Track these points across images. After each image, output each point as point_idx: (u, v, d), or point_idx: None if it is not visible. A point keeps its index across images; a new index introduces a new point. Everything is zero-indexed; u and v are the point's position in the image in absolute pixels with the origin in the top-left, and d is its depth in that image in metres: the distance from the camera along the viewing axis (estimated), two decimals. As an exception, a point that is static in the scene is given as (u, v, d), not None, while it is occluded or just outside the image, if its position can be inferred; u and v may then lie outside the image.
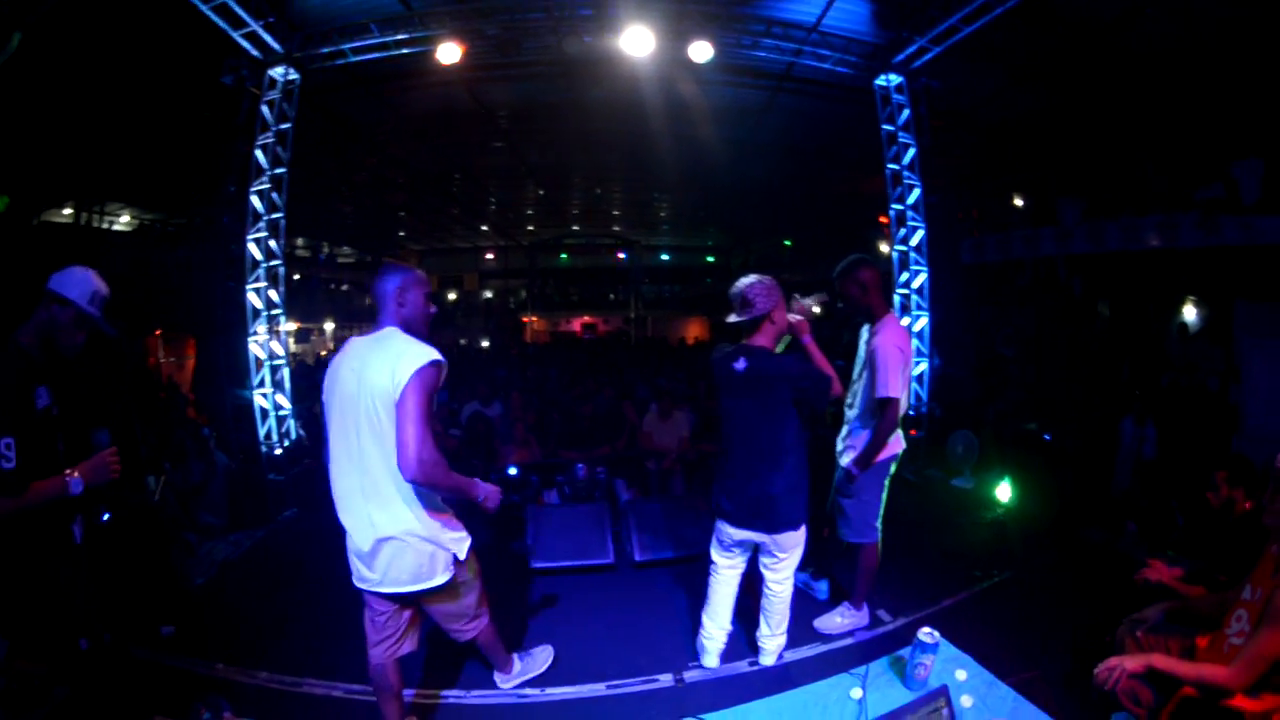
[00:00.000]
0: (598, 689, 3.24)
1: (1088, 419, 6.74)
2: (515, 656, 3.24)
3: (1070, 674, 3.02)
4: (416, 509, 2.43)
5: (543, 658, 3.36)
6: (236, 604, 4.39)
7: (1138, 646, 2.54)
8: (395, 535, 2.40)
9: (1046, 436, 6.57)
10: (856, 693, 2.19)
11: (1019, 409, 7.64)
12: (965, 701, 2.09)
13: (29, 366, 2.22)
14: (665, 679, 3.37)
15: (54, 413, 2.31)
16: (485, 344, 24.22)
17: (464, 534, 2.60)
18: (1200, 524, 3.34)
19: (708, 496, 5.79)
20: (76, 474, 2.17)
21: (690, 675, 3.40)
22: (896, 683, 2.26)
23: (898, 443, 3.56)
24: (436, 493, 2.47)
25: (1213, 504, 3.11)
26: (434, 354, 2.31)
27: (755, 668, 3.42)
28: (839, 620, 3.82)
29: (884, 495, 3.65)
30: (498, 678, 3.22)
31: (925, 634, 2.18)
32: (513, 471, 6.05)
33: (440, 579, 2.51)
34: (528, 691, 3.22)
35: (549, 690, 3.26)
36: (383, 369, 2.28)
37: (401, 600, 2.57)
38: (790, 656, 3.51)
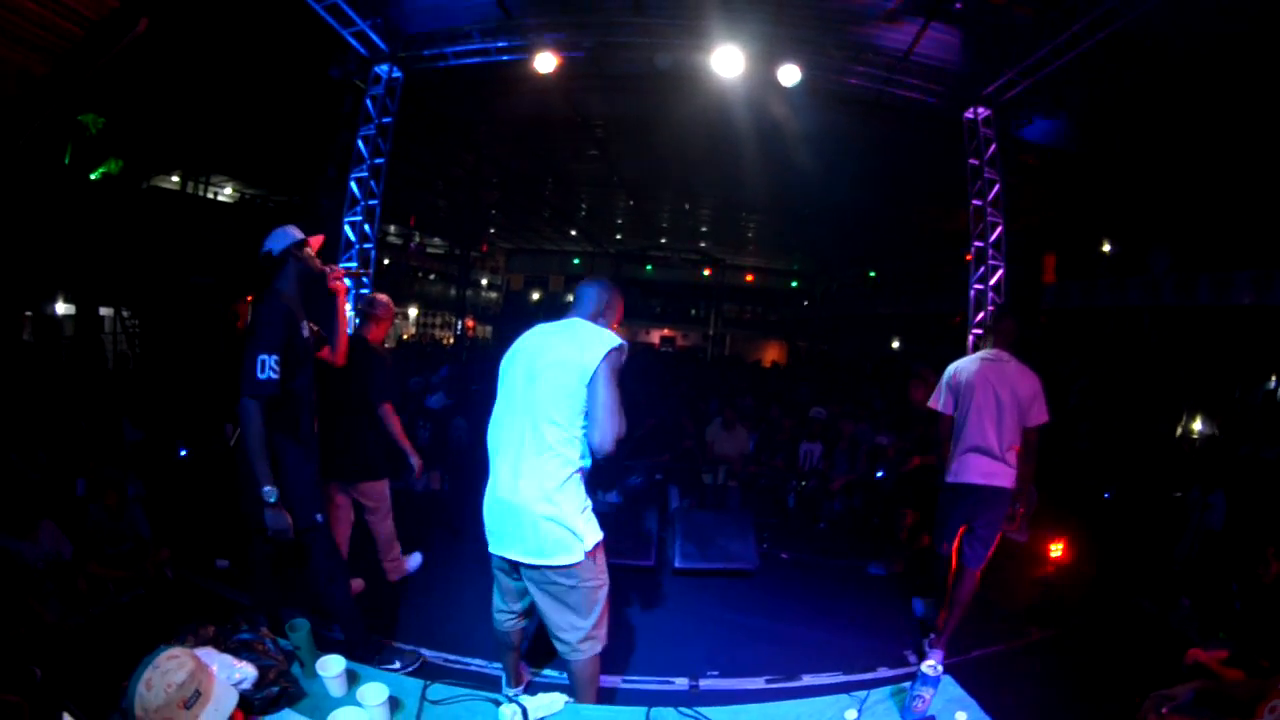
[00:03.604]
0: (614, 680, 3.32)
1: (1153, 481, 6.36)
2: None
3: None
4: (556, 485, 2.45)
5: None
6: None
7: None
8: (528, 506, 2.45)
9: (1106, 495, 6.24)
10: (851, 714, 2.20)
11: (1082, 463, 7.27)
12: (959, 744, 2.07)
13: (292, 305, 2.82)
14: (680, 682, 3.44)
15: (309, 338, 2.94)
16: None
17: (595, 522, 2.56)
18: (1252, 603, 3.15)
19: (759, 513, 5.83)
20: (272, 490, 2.64)
21: (706, 683, 3.46)
22: (894, 712, 2.25)
23: (964, 471, 3.61)
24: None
25: (1264, 580, 2.93)
26: (618, 339, 2.51)
27: (772, 685, 3.45)
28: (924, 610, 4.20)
29: (953, 524, 3.72)
30: None
31: (928, 666, 2.16)
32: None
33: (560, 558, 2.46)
34: (548, 672, 3.34)
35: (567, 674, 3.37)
36: (569, 347, 2.48)
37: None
38: (810, 680, 3.54)
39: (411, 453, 4.03)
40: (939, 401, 3.75)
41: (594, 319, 2.66)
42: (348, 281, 3.26)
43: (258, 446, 2.61)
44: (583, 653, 2.56)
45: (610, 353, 2.44)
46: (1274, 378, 9.14)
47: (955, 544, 3.78)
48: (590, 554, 2.48)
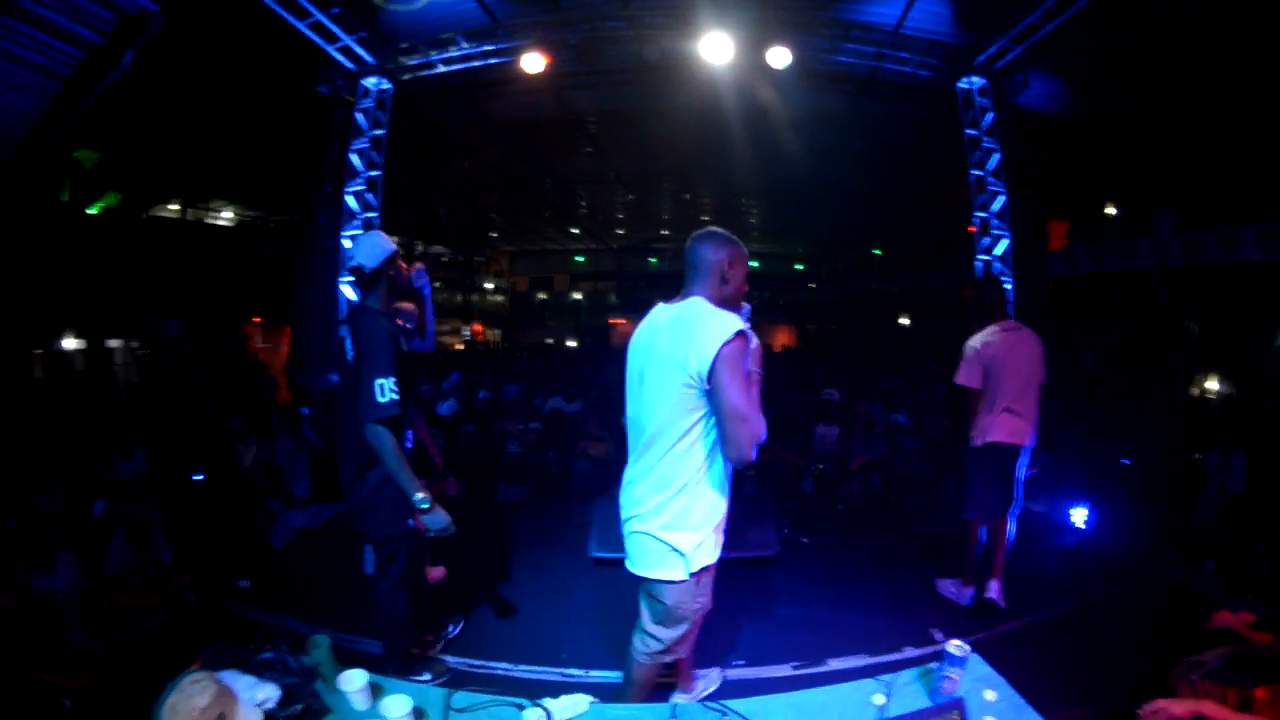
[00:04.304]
0: (640, 675, 3.30)
1: (1172, 444, 6.29)
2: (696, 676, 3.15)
3: (1117, 715, 2.85)
4: (664, 500, 2.28)
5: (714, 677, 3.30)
6: (308, 568, 4.78)
7: (1192, 691, 2.39)
8: (635, 516, 2.36)
9: (1125, 460, 6.17)
10: (879, 699, 2.17)
11: (1100, 429, 7.19)
12: (988, 722, 2.03)
13: (391, 324, 2.86)
14: (707, 673, 3.41)
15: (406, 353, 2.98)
16: (572, 344, 24.85)
17: (710, 546, 2.39)
18: (1277, 563, 3.09)
19: (778, 501, 5.80)
20: (425, 496, 2.77)
21: (732, 673, 3.44)
22: (923, 694, 2.21)
23: (1000, 432, 3.86)
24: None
25: None
26: (737, 323, 2.11)
27: (799, 671, 3.44)
28: (949, 588, 4.28)
29: (991, 482, 3.97)
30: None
31: (955, 646, 2.13)
32: None
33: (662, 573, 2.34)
34: (572, 671, 3.37)
35: (592, 672, 3.39)
36: (676, 344, 2.15)
37: None
38: (836, 665, 3.53)
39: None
40: (967, 376, 3.91)
41: (716, 291, 2.26)
42: (424, 282, 3.28)
43: (397, 464, 2.71)
44: (652, 660, 2.49)
45: (725, 346, 2.03)
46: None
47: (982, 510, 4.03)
48: (695, 575, 2.32)
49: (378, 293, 2.89)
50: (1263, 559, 3.88)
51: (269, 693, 1.84)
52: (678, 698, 2.95)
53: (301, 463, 6.04)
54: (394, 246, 2.92)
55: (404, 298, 3.13)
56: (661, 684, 2.93)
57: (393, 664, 3.07)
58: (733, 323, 2.10)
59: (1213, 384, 9.39)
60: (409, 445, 2.97)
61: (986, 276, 7.27)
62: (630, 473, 2.39)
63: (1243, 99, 7.63)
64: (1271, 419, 6.84)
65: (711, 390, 2.08)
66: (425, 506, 2.76)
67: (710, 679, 3.23)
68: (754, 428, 2.08)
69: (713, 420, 2.17)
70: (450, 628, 3.75)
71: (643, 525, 2.31)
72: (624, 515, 2.42)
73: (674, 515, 2.26)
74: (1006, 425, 3.87)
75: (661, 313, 2.33)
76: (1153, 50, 7.03)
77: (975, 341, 3.91)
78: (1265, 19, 6.15)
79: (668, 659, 2.54)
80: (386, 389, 2.68)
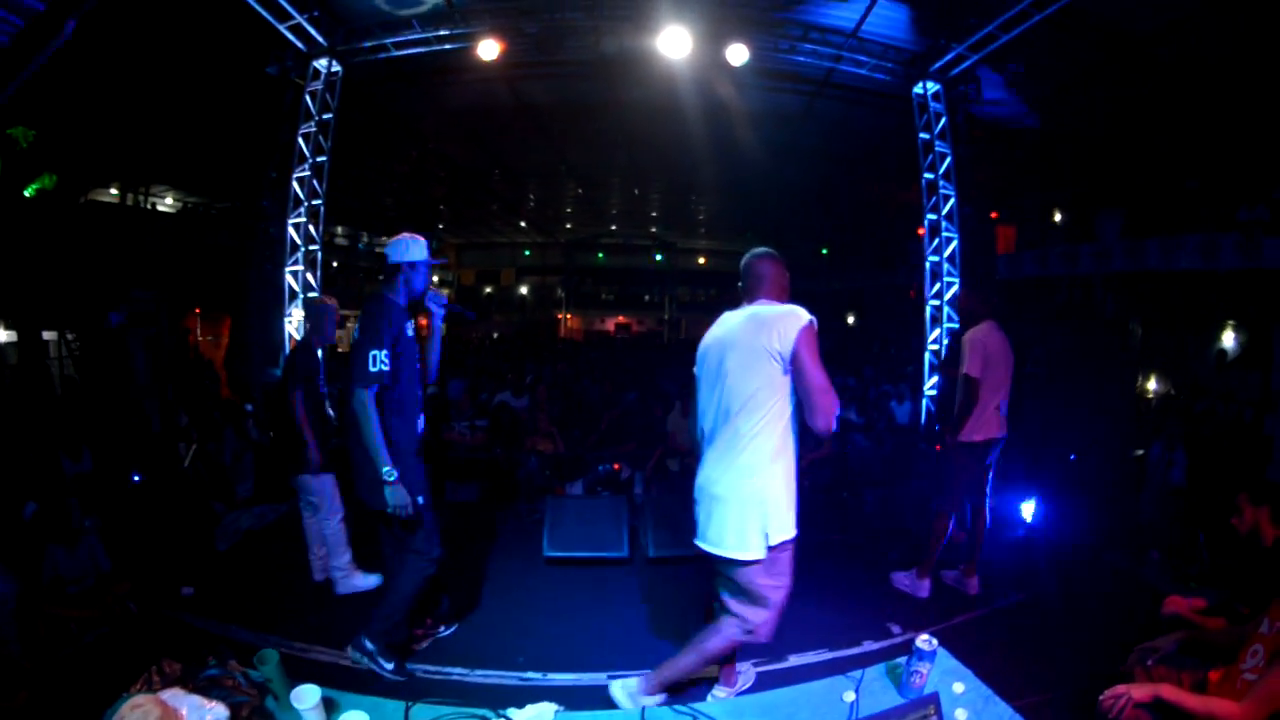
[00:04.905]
0: (599, 678, 3.24)
1: (1116, 441, 6.56)
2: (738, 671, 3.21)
3: (1077, 701, 2.93)
4: (748, 477, 2.50)
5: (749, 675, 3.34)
6: (255, 572, 4.57)
7: (1148, 677, 2.45)
8: (720, 496, 2.54)
9: (1072, 456, 6.41)
10: (849, 695, 2.16)
11: (1047, 427, 7.46)
12: (959, 715, 2.02)
13: (397, 309, 3.01)
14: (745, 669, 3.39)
15: (413, 337, 3.12)
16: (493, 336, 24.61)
17: (788, 520, 2.55)
18: (1226, 553, 3.22)
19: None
20: (392, 469, 2.89)
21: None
22: (891, 689, 2.22)
23: (991, 427, 4.04)
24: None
25: (1239, 530, 2.98)
26: (807, 314, 2.45)
27: (760, 668, 3.42)
28: (904, 581, 4.34)
29: (976, 476, 4.15)
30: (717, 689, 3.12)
31: (923, 641, 2.13)
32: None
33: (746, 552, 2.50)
34: (530, 674, 3.29)
35: (550, 675, 3.31)
36: (760, 334, 2.44)
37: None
38: (796, 660, 3.52)
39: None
40: (972, 366, 4.00)
41: (778, 298, 2.62)
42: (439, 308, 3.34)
43: (374, 432, 2.83)
44: (729, 629, 2.64)
45: (804, 330, 2.39)
46: (1222, 337, 9.52)
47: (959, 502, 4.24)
48: (774, 550, 2.50)
49: (394, 288, 3.06)
50: (1204, 549, 4.08)
51: (216, 713, 1.71)
52: (718, 691, 3.04)
53: (246, 462, 5.78)
54: (424, 256, 3.08)
55: (415, 313, 3.20)
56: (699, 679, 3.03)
57: (371, 631, 3.09)
58: (805, 313, 2.44)
59: (1152, 384, 9.87)
60: (420, 430, 3.16)
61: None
62: (709, 454, 2.61)
63: (1185, 115, 8.00)
64: (1204, 419, 7.20)
65: (794, 369, 2.39)
66: (392, 479, 2.86)
67: (747, 675, 3.27)
68: (833, 399, 2.37)
69: (790, 401, 2.47)
70: (443, 628, 3.66)
71: (720, 500, 2.53)
72: (700, 494, 2.62)
73: (759, 491, 2.48)
74: (995, 421, 4.07)
75: (732, 316, 2.63)
76: (1103, 65, 7.30)
77: (977, 335, 4.05)
78: (1209, 45, 6.45)
79: (741, 635, 2.65)
80: (378, 359, 2.83)
